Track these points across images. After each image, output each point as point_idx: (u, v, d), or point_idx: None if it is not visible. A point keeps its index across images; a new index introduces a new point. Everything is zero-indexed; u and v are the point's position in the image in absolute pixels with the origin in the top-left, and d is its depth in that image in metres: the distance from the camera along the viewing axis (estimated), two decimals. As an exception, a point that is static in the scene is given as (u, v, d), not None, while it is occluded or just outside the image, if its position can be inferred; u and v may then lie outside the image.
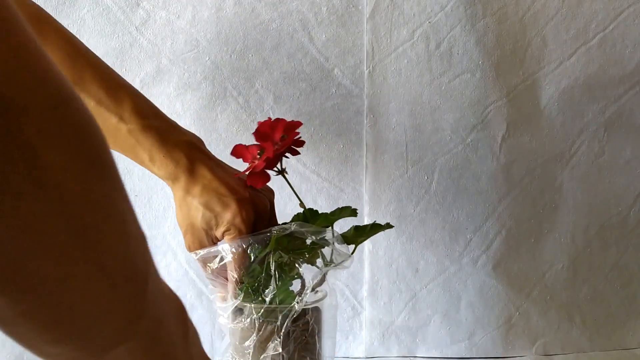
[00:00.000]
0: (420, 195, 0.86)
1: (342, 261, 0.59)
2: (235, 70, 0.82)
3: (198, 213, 0.58)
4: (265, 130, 0.60)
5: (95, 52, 0.61)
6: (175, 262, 0.86)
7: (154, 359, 0.34)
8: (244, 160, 0.62)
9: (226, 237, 0.59)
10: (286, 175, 0.61)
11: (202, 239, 0.59)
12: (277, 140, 0.60)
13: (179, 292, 0.85)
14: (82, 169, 0.26)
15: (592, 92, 0.86)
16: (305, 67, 0.83)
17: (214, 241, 0.60)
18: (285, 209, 0.75)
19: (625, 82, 0.86)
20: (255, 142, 0.61)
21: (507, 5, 0.83)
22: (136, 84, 0.81)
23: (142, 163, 0.59)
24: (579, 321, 0.91)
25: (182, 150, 0.59)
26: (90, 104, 0.55)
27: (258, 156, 0.60)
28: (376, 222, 0.63)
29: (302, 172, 0.85)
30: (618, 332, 0.92)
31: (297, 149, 0.61)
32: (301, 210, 0.62)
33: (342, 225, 0.66)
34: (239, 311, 0.59)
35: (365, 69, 0.83)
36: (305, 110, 0.84)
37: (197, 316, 0.86)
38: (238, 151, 0.62)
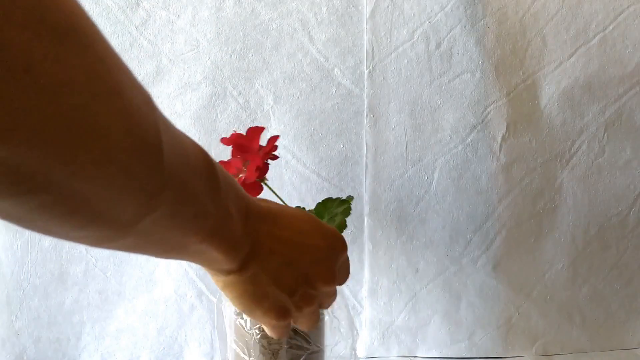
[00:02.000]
0: (420, 195, 0.86)
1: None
2: (235, 70, 0.82)
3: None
4: (242, 142, 0.59)
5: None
6: (174, 262, 0.86)
7: (183, 222, 0.33)
8: None
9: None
10: (267, 181, 0.61)
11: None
12: (257, 149, 0.59)
13: (179, 292, 0.85)
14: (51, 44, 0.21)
15: (592, 92, 0.86)
16: (305, 67, 0.83)
17: None
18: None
19: (625, 82, 0.86)
20: (231, 156, 0.60)
21: (507, 5, 0.83)
22: (136, 84, 0.81)
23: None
24: (579, 321, 0.91)
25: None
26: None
27: (244, 168, 0.59)
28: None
29: (302, 172, 0.85)
30: (618, 332, 0.92)
31: (275, 153, 0.61)
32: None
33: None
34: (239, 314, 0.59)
35: (365, 69, 0.83)
36: (305, 110, 0.83)
37: (197, 316, 0.86)
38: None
